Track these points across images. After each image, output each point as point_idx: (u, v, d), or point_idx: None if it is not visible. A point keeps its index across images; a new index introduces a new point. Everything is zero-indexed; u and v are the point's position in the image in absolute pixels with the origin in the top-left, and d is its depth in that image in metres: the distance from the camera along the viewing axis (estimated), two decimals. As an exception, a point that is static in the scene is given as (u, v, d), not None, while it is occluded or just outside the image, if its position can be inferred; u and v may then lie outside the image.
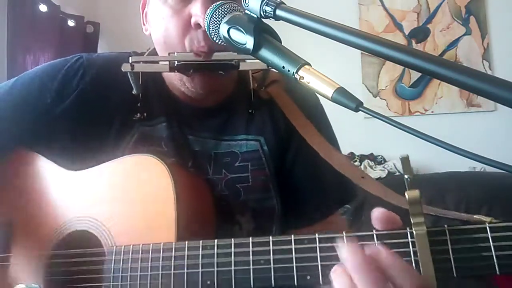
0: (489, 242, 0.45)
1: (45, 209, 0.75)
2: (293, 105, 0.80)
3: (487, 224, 0.46)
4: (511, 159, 0.50)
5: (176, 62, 0.70)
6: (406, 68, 2.49)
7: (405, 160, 0.47)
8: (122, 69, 0.72)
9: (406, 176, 0.47)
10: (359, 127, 2.52)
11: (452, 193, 2.35)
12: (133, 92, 0.76)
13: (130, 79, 0.74)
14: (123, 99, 0.78)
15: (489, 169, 2.36)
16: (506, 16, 2.85)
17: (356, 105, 0.43)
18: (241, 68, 0.71)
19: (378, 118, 0.42)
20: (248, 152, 0.79)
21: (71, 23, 2.86)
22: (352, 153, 2.82)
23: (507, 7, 2.85)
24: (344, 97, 0.44)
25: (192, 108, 0.80)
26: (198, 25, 0.68)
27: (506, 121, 2.68)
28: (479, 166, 2.55)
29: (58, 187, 0.76)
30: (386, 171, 2.67)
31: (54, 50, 2.66)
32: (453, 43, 2.94)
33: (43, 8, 2.58)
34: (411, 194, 0.46)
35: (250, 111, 0.81)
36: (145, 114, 0.78)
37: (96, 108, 0.77)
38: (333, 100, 0.45)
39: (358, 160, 2.79)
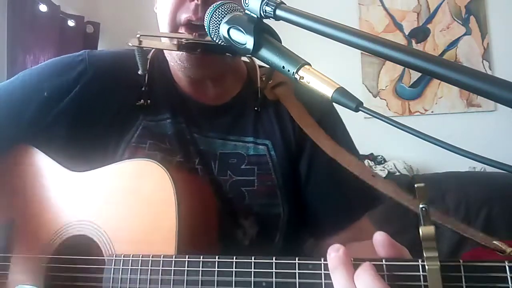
0: (508, 283, 0.42)
1: (46, 210, 0.74)
2: (302, 108, 0.78)
3: (506, 263, 0.43)
4: (511, 159, 0.50)
5: (184, 40, 0.69)
6: (406, 68, 2.49)
7: (421, 189, 0.44)
8: (130, 44, 0.70)
9: (421, 205, 0.44)
10: (359, 127, 2.51)
11: (452, 193, 2.34)
12: (138, 72, 0.75)
13: (137, 56, 0.73)
14: (127, 87, 0.77)
15: (489, 169, 2.35)
16: (506, 16, 2.85)
17: (356, 105, 0.43)
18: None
19: (378, 118, 0.41)
20: (256, 155, 0.77)
21: (71, 23, 2.86)
22: (352, 153, 2.82)
23: (507, 7, 2.85)
24: (344, 97, 0.44)
25: (199, 106, 0.79)
26: None
27: (506, 121, 2.67)
28: (479, 166, 2.54)
29: (59, 187, 0.75)
30: (386, 171, 2.67)
31: (54, 50, 2.66)
32: (453, 43, 2.93)
33: (43, 8, 2.58)
34: (425, 230, 0.44)
35: (256, 108, 0.80)
36: (148, 101, 0.77)
37: (99, 101, 0.77)
38: (333, 100, 0.44)
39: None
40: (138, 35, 0.70)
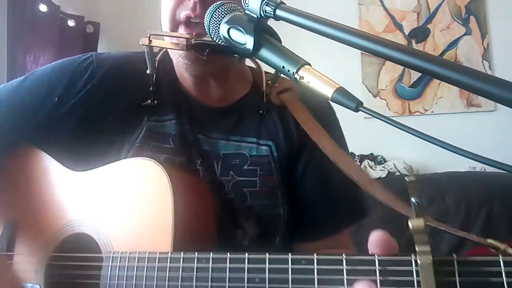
0: (502, 278, 0.41)
1: (48, 209, 0.75)
2: (308, 113, 0.78)
3: (500, 258, 0.42)
4: (511, 159, 0.50)
5: (193, 40, 0.69)
6: (406, 68, 2.49)
7: (412, 183, 0.44)
8: (140, 43, 0.71)
9: (413, 200, 0.44)
10: (359, 127, 2.51)
11: (452, 193, 2.35)
12: (147, 72, 0.76)
13: (146, 55, 0.73)
14: (134, 88, 0.78)
15: (489, 169, 2.36)
16: (506, 16, 2.85)
17: (356, 105, 0.43)
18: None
19: (378, 118, 0.41)
20: (258, 156, 0.77)
21: (71, 23, 2.87)
22: (352, 153, 2.82)
23: (507, 7, 2.85)
24: (344, 97, 0.44)
25: (204, 107, 0.80)
26: None
27: (506, 121, 2.68)
28: (479, 166, 2.55)
29: (61, 187, 0.76)
30: (386, 171, 2.67)
31: (54, 50, 2.67)
32: (453, 43, 2.94)
33: (43, 8, 2.59)
34: (414, 223, 0.43)
35: (260, 111, 0.80)
36: (155, 101, 0.78)
37: (106, 103, 0.77)
38: (333, 100, 0.45)
39: (358, 160, 2.79)
40: (148, 34, 0.70)
